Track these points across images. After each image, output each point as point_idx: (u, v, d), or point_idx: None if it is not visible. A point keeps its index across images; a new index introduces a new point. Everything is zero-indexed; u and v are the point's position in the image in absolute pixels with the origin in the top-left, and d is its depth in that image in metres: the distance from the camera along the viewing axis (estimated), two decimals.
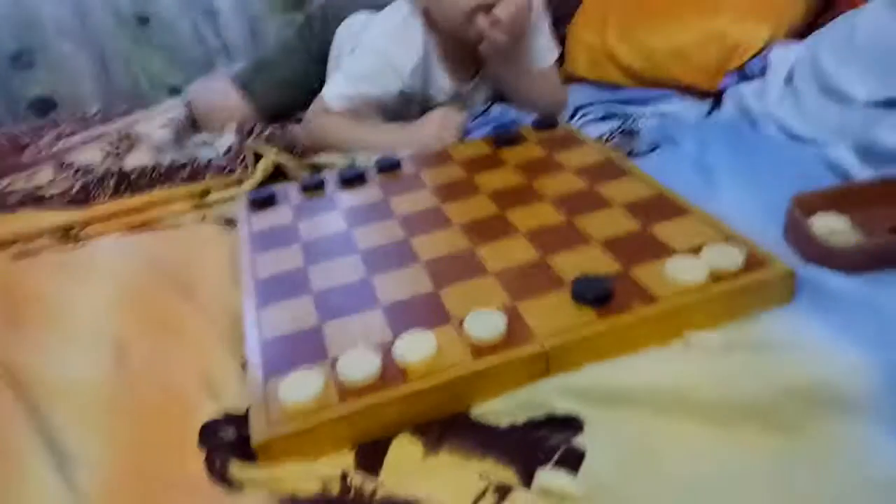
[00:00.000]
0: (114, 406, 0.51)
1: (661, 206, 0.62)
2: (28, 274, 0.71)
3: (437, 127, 0.89)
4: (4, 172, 1.11)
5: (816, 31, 0.83)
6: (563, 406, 0.45)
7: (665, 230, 0.58)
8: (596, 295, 0.50)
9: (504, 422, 0.45)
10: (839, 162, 0.65)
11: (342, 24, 1.18)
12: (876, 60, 0.71)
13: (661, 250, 0.56)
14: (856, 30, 0.75)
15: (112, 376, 0.54)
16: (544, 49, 1.02)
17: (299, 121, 1.24)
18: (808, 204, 0.57)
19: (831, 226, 0.56)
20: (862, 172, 0.63)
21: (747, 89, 0.81)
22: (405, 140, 0.90)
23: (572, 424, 0.43)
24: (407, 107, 1.04)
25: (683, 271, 0.51)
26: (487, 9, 0.88)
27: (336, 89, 0.99)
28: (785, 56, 0.82)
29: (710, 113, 0.85)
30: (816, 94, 0.75)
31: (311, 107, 1.02)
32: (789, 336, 0.46)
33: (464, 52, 0.99)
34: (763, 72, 0.84)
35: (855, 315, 0.47)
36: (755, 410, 0.41)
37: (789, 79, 0.80)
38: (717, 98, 0.87)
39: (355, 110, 0.98)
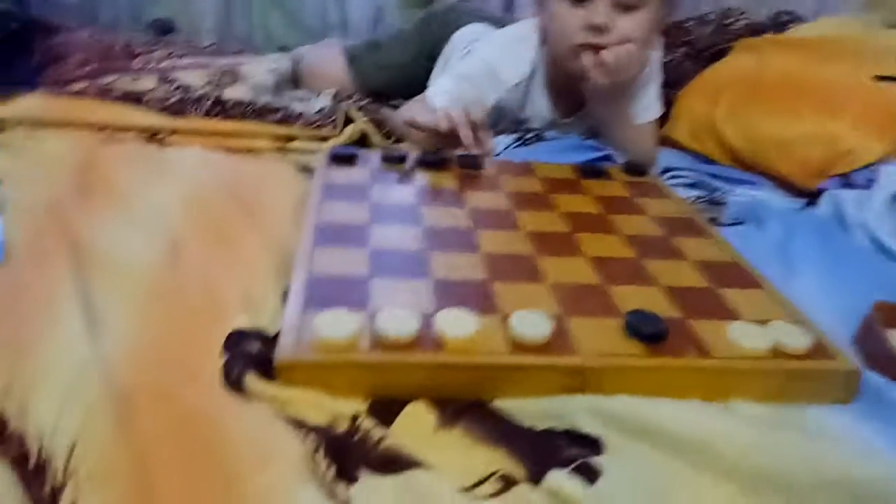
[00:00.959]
0: (154, 293, 0.52)
1: (735, 274, 0.60)
2: (111, 158, 0.74)
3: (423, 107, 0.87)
4: (112, 70, 1.16)
5: None
6: (588, 425, 0.43)
7: (734, 296, 0.56)
8: (651, 331, 0.49)
9: (525, 423, 0.44)
10: None
11: (460, 30, 1.21)
12: None
13: (726, 313, 0.54)
14: None
15: (160, 267, 0.55)
16: (649, 105, 1.02)
17: (395, 107, 1.27)
18: (889, 315, 0.55)
19: None
20: None
21: (848, 195, 0.79)
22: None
23: (594, 444, 0.42)
24: (497, 123, 1.05)
25: (747, 336, 0.49)
26: (596, 49, 0.88)
27: (441, 86, 1.00)
28: None
29: (803, 209, 0.83)
30: None
31: (413, 100, 1.03)
32: (841, 431, 0.44)
33: (569, 83, 1.00)
34: (869, 184, 0.81)
35: None
36: (787, 488, 0.39)
37: (894, 199, 0.77)
38: (811, 198, 0.85)
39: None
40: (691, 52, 1.24)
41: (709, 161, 1.03)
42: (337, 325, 0.46)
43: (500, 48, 1.02)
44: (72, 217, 0.59)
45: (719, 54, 1.20)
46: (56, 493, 0.34)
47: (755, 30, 1.27)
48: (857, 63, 0.98)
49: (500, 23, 1.14)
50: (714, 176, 0.96)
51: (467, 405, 0.44)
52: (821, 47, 1.06)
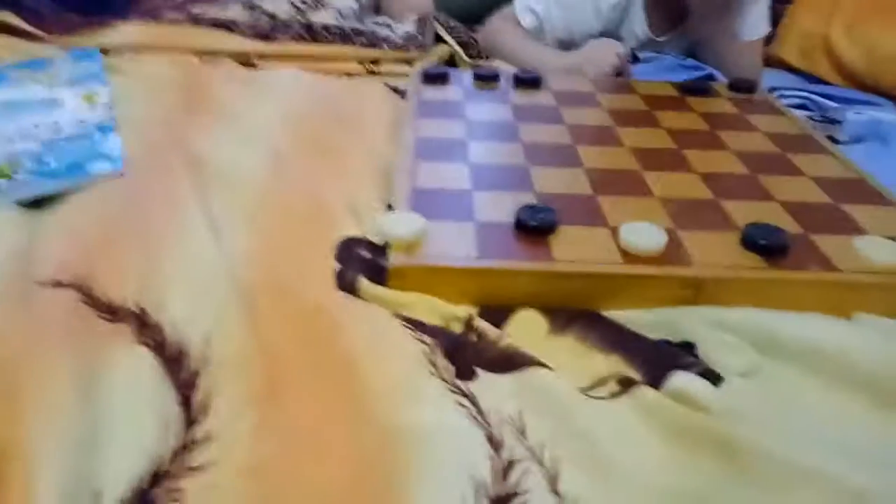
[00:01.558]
0: (265, 202, 0.53)
1: (860, 190, 0.56)
2: (211, 78, 0.75)
3: (602, 53, 0.84)
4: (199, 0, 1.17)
5: None
6: (707, 335, 0.42)
7: (860, 212, 0.53)
8: (770, 243, 0.46)
9: (639, 331, 0.43)
10: None
11: None
12: None
13: (852, 227, 0.50)
14: None
15: (268, 179, 0.56)
16: (756, 21, 0.95)
17: (475, 30, 1.24)
18: None
19: None
20: None
21: None
22: (567, 62, 0.86)
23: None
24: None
25: (876, 250, 0.46)
26: None
27: (528, 2, 0.96)
28: None
29: None
30: None
31: (498, 12, 1.00)
32: None
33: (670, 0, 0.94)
34: None
35: None
36: None
37: None
38: None
39: (538, 29, 0.95)
40: None
41: (821, 82, 0.96)
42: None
43: None
44: (183, 132, 0.60)
45: None
46: (193, 377, 0.36)
47: None
48: None
49: None
50: (827, 97, 0.89)
51: (578, 313, 0.44)
52: None
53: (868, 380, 0.38)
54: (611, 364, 0.40)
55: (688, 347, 0.42)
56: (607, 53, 0.84)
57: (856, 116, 0.77)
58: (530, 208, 0.49)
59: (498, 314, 0.44)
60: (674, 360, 0.40)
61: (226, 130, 0.63)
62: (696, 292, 0.45)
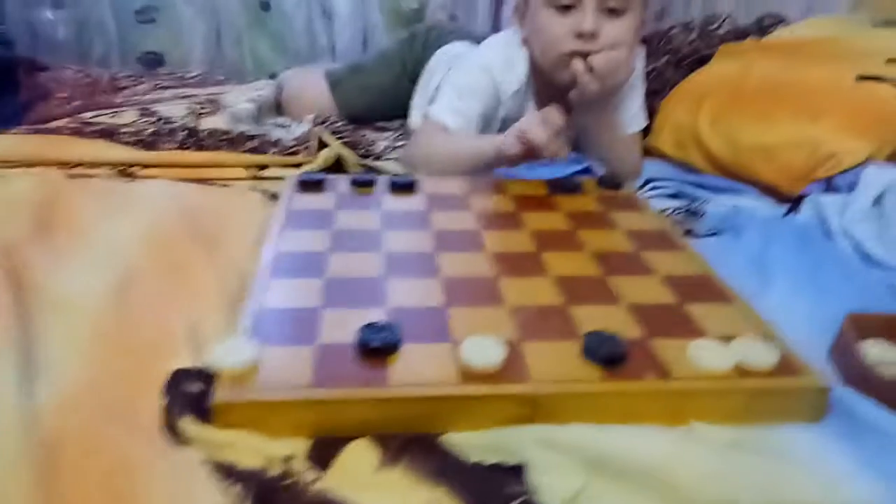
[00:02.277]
0: (100, 332, 0.51)
1: (704, 288, 0.58)
2: (75, 193, 0.74)
3: (528, 122, 0.79)
4: (95, 107, 1.17)
5: None
6: (539, 457, 0.41)
7: (700, 311, 0.54)
8: (607, 354, 0.47)
9: (472, 457, 0.42)
10: None
11: (443, 48, 1.20)
12: None
13: (690, 330, 0.52)
14: None
15: (110, 302, 0.54)
16: (634, 115, 1.00)
17: (379, 129, 1.26)
18: (864, 326, 0.52)
19: (884, 354, 0.51)
20: None
21: (829, 200, 0.76)
22: (492, 140, 0.84)
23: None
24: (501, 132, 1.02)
25: (707, 356, 0.47)
26: (586, 56, 0.87)
27: (447, 104, 0.95)
28: (879, 177, 0.77)
29: (784, 216, 0.80)
30: None
31: (417, 131, 1.00)
32: (807, 454, 0.42)
33: (554, 92, 0.97)
34: (852, 188, 0.79)
35: (886, 451, 0.42)
36: None
37: (877, 201, 0.75)
38: (795, 203, 0.82)
39: (463, 127, 0.94)
40: (673, 59, 1.22)
41: (693, 170, 1.01)
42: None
43: (496, 56, 0.99)
44: (24, 257, 0.58)
45: (702, 61, 1.18)
46: None
47: (738, 34, 1.25)
48: (840, 64, 0.96)
49: (482, 41, 1.12)
50: (698, 185, 0.94)
51: (413, 439, 0.42)
52: (803, 50, 1.05)
53: (690, 496, 0.38)
54: (435, 498, 0.38)
55: (520, 471, 0.41)
56: (548, 114, 0.79)
57: (715, 209, 0.81)
58: (372, 328, 0.48)
59: (332, 446, 0.42)
60: (499, 490, 0.39)
61: (76, 253, 0.61)
62: (533, 410, 0.44)
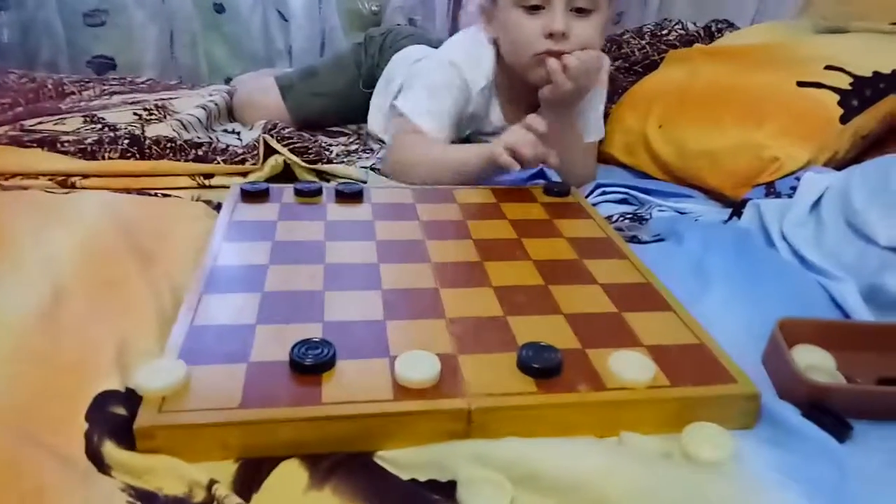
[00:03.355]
0: (24, 348, 0.49)
1: (644, 296, 0.59)
2: (7, 205, 0.71)
3: (517, 137, 0.79)
4: (39, 114, 1.13)
5: (855, 166, 0.80)
6: (469, 474, 0.41)
7: (638, 320, 0.55)
8: (541, 366, 0.47)
9: (406, 475, 0.42)
10: (843, 297, 0.61)
11: (399, 53, 1.19)
12: None
13: (627, 339, 0.52)
14: (892, 174, 0.72)
15: (37, 320, 0.52)
16: (594, 124, 1.01)
17: (332, 134, 1.25)
18: (795, 331, 0.53)
19: (814, 360, 0.52)
20: (862, 314, 0.59)
21: (769, 205, 0.78)
22: (479, 151, 0.84)
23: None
24: (467, 130, 1.03)
25: (630, 366, 0.47)
26: (559, 55, 0.88)
27: (418, 105, 0.95)
28: (817, 182, 0.79)
29: (727, 220, 0.82)
30: (839, 227, 0.71)
31: (396, 134, 0.98)
32: (733, 461, 0.42)
33: (521, 91, 0.98)
34: (793, 193, 0.81)
35: (812, 460, 0.42)
36: None
37: (815, 205, 0.76)
38: (737, 208, 0.84)
39: (445, 128, 0.95)
40: (625, 65, 1.24)
41: (643, 175, 1.02)
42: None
43: (462, 53, 0.99)
44: None
45: (653, 66, 1.20)
46: None
47: (688, 40, 1.27)
48: (783, 70, 0.98)
49: (439, 45, 1.12)
50: (646, 191, 0.95)
51: (344, 459, 0.42)
52: (748, 56, 1.07)
53: None
54: None
55: (452, 488, 0.40)
56: (526, 141, 0.79)
57: (659, 214, 0.82)
58: (306, 344, 0.47)
59: (259, 469, 0.41)
60: None
61: (5, 268, 0.58)
62: (468, 425, 0.44)
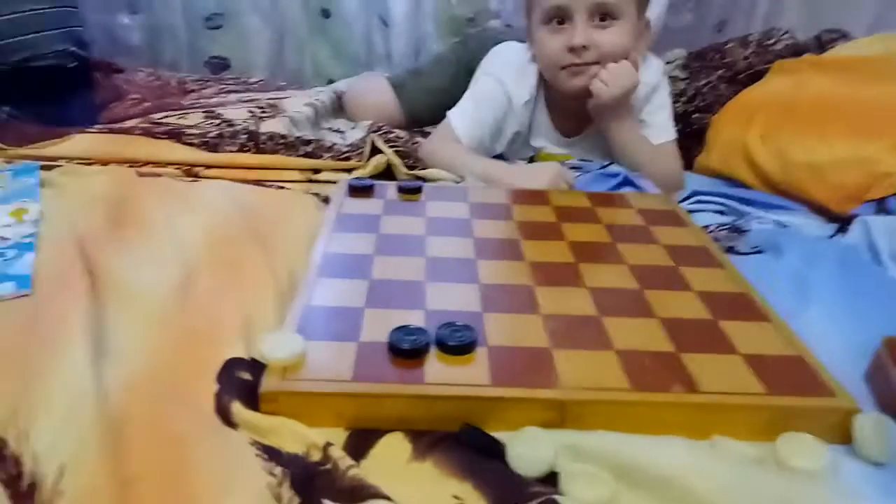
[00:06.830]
0: (161, 321, 0.55)
1: (741, 306, 0.58)
2: (144, 190, 0.79)
3: (551, 178, 0.87)
4: (164, 108, 1.24)
5: None
6: (560, 462, 0.43)
7: (735, 329, 0.55)
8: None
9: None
10: None
11: (493, 49, 1.23)
12: None
13: (723, 346, 0.52)
14: None
15: (172, 294, 0.58)
16: (662, 126, 1.02)
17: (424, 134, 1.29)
18: None
19: None
20: None
21: (880, 222, 0.75)
22: (513, 179, 0.89)
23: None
24: (513, 144, 1.06)
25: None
26: (584, 67, 0.94)
27: (465, 110, 1.02)
28: None
29: (832, 236, 0.79)
30: None
31: (438, 128, 1.05)
32: (827, 472, 0.42)
33: (567, 103, 1.03)
34: None
35: None
36: None
37: None
38: (843, 224, 0.81)
39: (479, 139, 1.01)
40: (727, 74, 1.21)
41: (741, 186, 1.00)
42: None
43: (509, 67, 1.05)
44: (98, 250, 0.63)
45: (757, 76, 1.17)
46: None
47: (797, 50, 1.23)
48: None
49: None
50: (746, 201, 0.93)
51: (443, 437, 0.45)
52: (862, 67, 1.02)
53: None
54: (461, 492, 0.41)
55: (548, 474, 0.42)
56: (561, 181, 0.87)
57: (759, 226, 0.80)
58: (403, 330, 0.51)
59: (367, 438, 0.45)
60: (525, 489, 0.40)
61: (143, 247, 0.65)
62: (562, 415, 0.46)
